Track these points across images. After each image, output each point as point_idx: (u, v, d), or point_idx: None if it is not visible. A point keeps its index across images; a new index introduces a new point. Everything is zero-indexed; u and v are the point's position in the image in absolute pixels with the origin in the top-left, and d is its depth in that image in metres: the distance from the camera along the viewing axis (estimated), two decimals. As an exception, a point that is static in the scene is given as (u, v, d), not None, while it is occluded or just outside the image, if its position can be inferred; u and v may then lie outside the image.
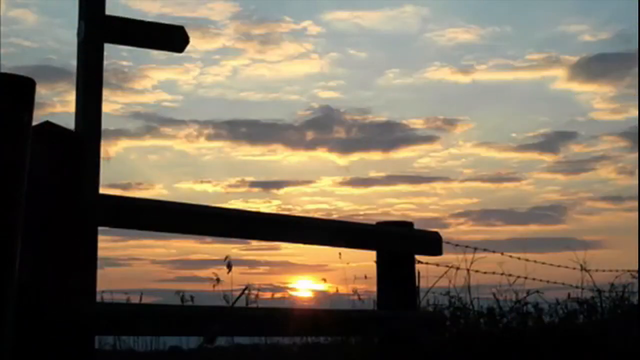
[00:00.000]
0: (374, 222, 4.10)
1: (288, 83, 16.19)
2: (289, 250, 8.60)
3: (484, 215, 16.12)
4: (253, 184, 15.71)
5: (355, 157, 16.37)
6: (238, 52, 15.79)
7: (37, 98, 1.99)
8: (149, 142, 15.60)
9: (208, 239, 7.02)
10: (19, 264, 1.94)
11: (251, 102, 15.86)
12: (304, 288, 7.59)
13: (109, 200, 2.93)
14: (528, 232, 15.43)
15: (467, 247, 6.26)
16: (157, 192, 14.89)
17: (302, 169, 16.52)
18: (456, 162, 16.67)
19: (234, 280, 6.33)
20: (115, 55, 13.69)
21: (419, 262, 4.53)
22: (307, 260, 9.14)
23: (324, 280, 7.65)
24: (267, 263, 9.86)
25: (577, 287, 7.37)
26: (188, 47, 3.26)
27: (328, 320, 3.62)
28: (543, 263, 6.84)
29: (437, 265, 5.87)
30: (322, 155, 16.51)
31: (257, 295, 7.00)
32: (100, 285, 2.92)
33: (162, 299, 7.68)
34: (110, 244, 9.12)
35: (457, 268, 6.29)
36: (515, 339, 6.39)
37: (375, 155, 16.50)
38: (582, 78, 16.56)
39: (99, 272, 2.87)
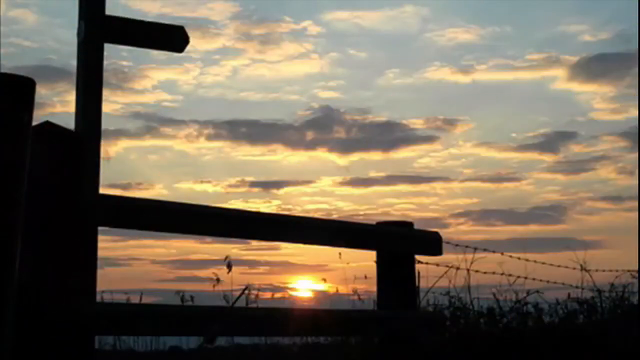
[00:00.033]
0: (374, 222, 4.10)
1: (288, 83, 16.21)
2: (289, 250, 8.61)
3: (484, 215, 16.13)
4: (253, 184, 15.72)
5: (355, 157, 16.39)
6: (238, 52, 15.80)
7: (37, 98, 1.99)
8: (149, 142, 15.62)
9: (208, 239, 7.02)
10: (19, 264, 1.94)
11: (251, 102, 15.87)
12: (304, 288, 7.59)
13: (109, 200, 2.93)
14: (528, 232, 15.44)
15: (467, 247, 6.26)
16: (157, 192, 14.90)
17: (302, 169, 16.53)
18: (456, 162, 16.68)
19: (234, 280, 6.33)
20: (115, 55, 13.70)
21: (419, 262, 4.53)
22: (307, 260, 9.15)
23: (324, 280, 7.66)
24: (267, 263, 9.87)
25: (577, 287, 7.38)
26: (188, 47, 3.26)
27: (328, 320, 3.62)
28: (543, 263, 6.84)
29: (437, 265, 5.87)
30: (322, 155, 16.52)
31: (257, 295, 7.01)
32: (100, 285, 2.92)
33: (162, 299, 7.68)
34: (110, 244, 9.13)
35: (457, 268, 6.29)
36: (515, 339, 6.39)
37: (375, 155, 16.51)
38: (582, 78, 16.58)
39: (99, 272, 2.87)
